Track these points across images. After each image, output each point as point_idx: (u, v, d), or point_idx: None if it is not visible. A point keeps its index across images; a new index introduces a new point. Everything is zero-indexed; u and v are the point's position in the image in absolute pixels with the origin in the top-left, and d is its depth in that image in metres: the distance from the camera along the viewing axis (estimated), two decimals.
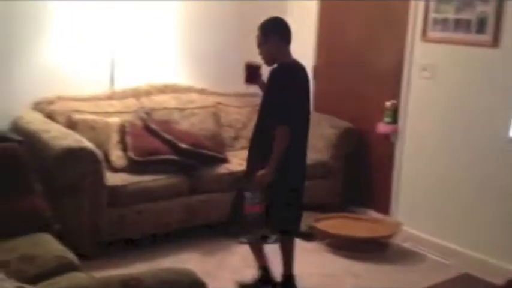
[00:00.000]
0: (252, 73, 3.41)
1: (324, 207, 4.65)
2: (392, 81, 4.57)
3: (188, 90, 4.91)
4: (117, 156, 4.06)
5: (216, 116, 4.87)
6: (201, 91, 4.98)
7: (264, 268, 3.51)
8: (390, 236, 4.25)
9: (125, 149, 4.09)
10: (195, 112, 4.74)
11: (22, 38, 4.23)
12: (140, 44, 4.70)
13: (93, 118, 4.20)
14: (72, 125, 4.11)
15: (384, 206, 4.66)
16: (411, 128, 4.45)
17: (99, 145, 3.84)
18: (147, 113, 4.44)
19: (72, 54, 4.44)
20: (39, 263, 2.51)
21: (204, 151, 4.26)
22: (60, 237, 2.89)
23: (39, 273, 2.42)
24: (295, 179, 3.38)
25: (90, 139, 3.82)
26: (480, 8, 3.91)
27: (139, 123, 4.36)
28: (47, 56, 4.34)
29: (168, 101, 4.71)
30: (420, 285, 3.65)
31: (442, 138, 4.24)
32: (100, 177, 3.69)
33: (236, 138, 4.89)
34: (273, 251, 3.55)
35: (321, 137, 4.76)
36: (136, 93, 4.64)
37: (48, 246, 2.71)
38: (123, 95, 4.58)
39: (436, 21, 4.19)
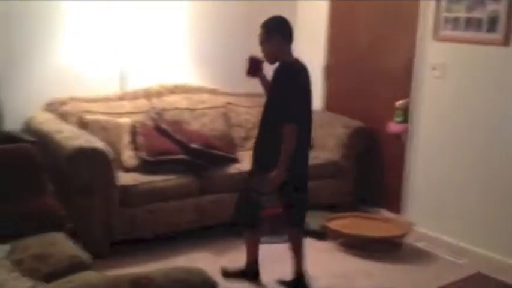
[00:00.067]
0: (254, 66, 3.44)
1: (335, 207, 4.64)
2: (403, 80, 4.56)
3: (199, 90, 4.92)
4: (128, 156, 4.08)
5: (226, 116, 4.87)
6: (212, 91, 4.98)
7: (255, 262, 3.57)
8: (402, 236, 4.23)
9: (136, 149, 4.12)
10: (205, 112, 4.74)
11: (34, 40, 4.26)
12: (151, 45, 4.73)
13: (105, 119, 4.23)
14: (83, 125, 4.14)
15: (395, 205, 4.65)
16: (422, 127, 4.43)
17: (110, 145, 3.85)
18: (158, 114, 4.45)
19: (84, 56, 4.47)
20: (52, 262, 2.52)
21: (215, 151, 4.27)
22: (73, 236, 2.90)
23: (52, 272, 2.43)
24: (299, 178, 3.39)
25: (101, 139, 3.84)
26: (491, 7, 3.90)
27: (150, 123, 4.38)
28: (59, 58, 4.37)
29: (178, 101, 4.72)
30: (433, 285, 3.65)
31: (454, 137, 4.21)
32: (112, 177, 3.71)
33: (246, 138, 4.88)
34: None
35: (332, 136, 4.76)
36: (147, 94, 4.66)
37: (61, 245, 2.72)
38: (134, 96, 4.60)
39: (447, 20, 4.17)
